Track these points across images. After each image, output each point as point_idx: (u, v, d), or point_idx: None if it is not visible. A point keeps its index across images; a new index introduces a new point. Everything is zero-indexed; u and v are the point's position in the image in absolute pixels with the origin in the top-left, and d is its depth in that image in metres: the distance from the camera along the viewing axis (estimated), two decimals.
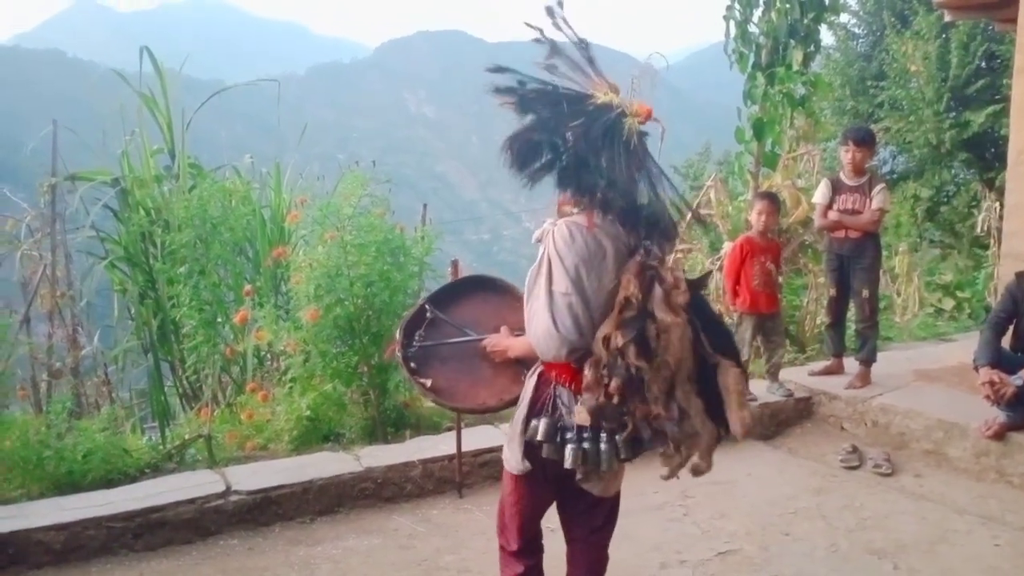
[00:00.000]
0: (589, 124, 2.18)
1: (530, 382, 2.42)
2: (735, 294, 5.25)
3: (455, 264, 4.17)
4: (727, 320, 6.01)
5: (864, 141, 5.41)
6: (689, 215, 2.43)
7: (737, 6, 6.94)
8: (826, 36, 15.48)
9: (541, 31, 2.25)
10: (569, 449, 2.26)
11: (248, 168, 6.87)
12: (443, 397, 2.82)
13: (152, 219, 5.93)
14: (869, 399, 5.18)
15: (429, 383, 2.80)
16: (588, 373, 2.19)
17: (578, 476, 2.34)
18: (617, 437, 2.23)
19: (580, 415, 2.24)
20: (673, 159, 20.13)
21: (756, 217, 5.23)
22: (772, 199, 5.35)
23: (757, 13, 6.92)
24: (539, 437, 2.31)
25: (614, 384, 2.13)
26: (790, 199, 6.82)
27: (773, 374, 5.38)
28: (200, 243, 5.25)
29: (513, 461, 2.46)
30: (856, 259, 5.41)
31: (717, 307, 6.81)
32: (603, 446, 2.24)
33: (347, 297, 4.48)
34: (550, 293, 2.25)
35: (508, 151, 2.20)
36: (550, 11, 2.24)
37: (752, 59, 6.93)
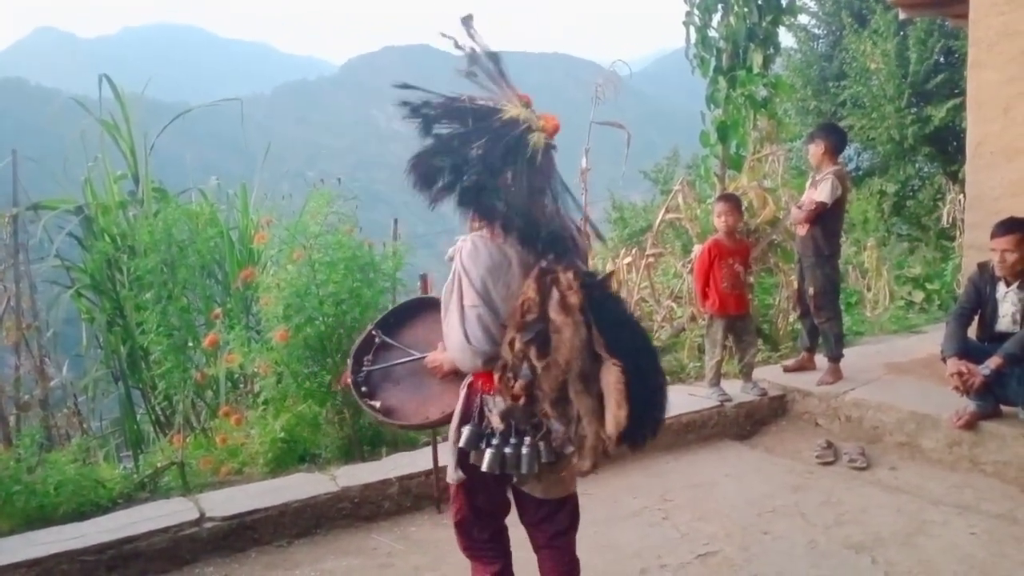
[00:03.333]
0: (492, 144, 2.21)
1: (462, 392, 2.49)
2: (704, 296, 5.28)
3: (424, 279, 4.17)
4: (701, 322, 6.06)
5: (810, 138, 5.66)
6: (591, 231, 2.48)
7: (696, 12, 7.01)
8: (786, 38, 15.71)
9: (456, 41, 2.30)
10: (487, 453, 2.32)
11: (215, 190, 6.82)
12: (393, 417, 2.88)
13: (117, 246, 5.86)
14: (842, 394, 5.22)
15: (378, 404, 2.87)
16: (496, 377, 2.27)
17: (515, 479, 2.40)
18: (537, 440, 2.29)
19: (495, 419, 2.32)
20: (642, 164, 20.21)
21: (718, 219, 5.29)
22: (730, 200, 5.40)
23: (716, 18, 7.00)
24: (461, 444, 2.39)
25: (518, 385, 2.22)
26: (757, 200, 6.89)
27: (747, 374, 5.42)
28: (166, 268, 5.19)
29: (449, 470, 2.53)
30: (802, 255, 5.57)
31: (690, 310, 6.87)
32: (524, 450, 2.30)
33: (317, 316, 4.46)
34: (461, 307, 2.33)
35: (411, 173, 2.25)
36: (465, 22, 2.30)
37: (713, 63, 7.01)
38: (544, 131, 2.26)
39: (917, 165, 15.33)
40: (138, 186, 6.29)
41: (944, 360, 4.54)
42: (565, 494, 2.54)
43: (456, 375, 2.60)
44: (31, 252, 5.68)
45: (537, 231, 2.26)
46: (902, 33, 14.84)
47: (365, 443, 4.68)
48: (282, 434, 4.46)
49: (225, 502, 3.88)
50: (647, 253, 7.65)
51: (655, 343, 6.58)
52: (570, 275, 2.22)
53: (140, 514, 3.78)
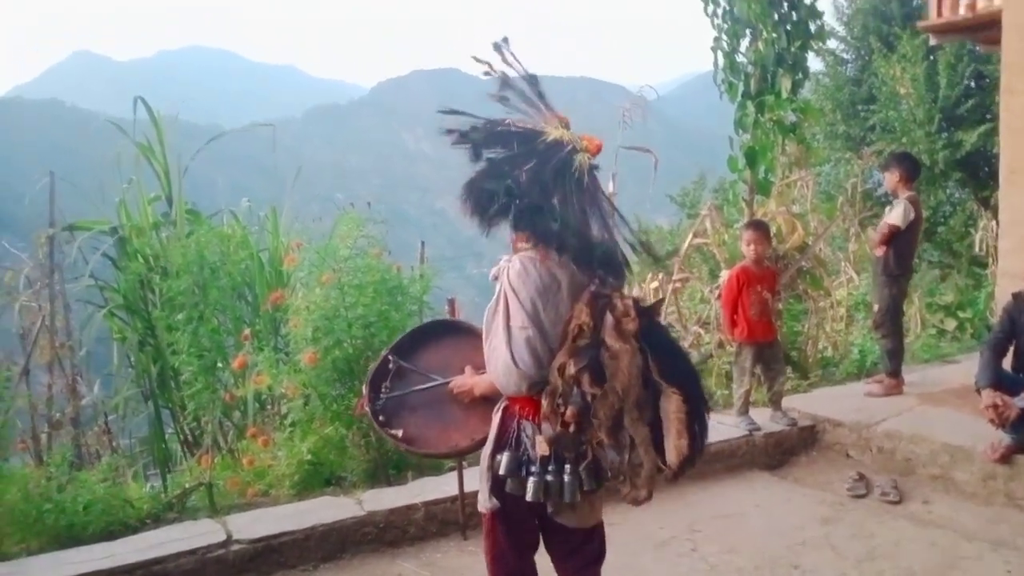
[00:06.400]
0: (541, 165, 2.21)
1: (496, 417, 2.44)
2: (733, 324, 5.24)
3: (451, 303, 4.17)
4: (729, 348, 6.01)
5: (885, 166, 6.12)
6: (643, 250, 2.47)
7: (724, 37, 7.01)
8: (815, 62, 15.66)
9: (490, 65, 2.30)
10: (531, 482, 2.28)
11: (246, 212, 6.90)
12: (415, 445, 2.80)
13: (150, 266, 5.94)
14: (874, 425, 5.14)
15: (400, 433, 2.78)
16: (545, 403, 2.22)
17: (549, 509, 2.35)
18: (580, 468, 2.25)
19: (540, 446, 2.27)
20: (669, 188, 20.21)
21: (746, 247, 5.26)
22: (759, 227, 5.38)
23: (745, 43, 7.00)
24: (501, 471, 2.33)
25: (569, 412, 2.17)
26: (785, 225, 6.84)
27: (776, 403, 5.35)
28: (198, 289, 5.25)
29: (482, 498, 2.47)
30: (874, 275, 5.97)
31: (717, 336, 6.81)
32: (566, 478, 2.26)
33: (346, 339, 4.48)
34: (508, 329, 2.28)
35: (466, 200, 2.24)
36: (498, 47, 2.30)
37: (741, 88, 6.99)
38: (587, 151, 2.27)
39: (948, 191, 15.19)
40: (171, 208, 6.39)
41: (979, 391, 4.45)
42: (595, 522, 2.50)
43: (484, 400, 2.55)
44: (65, 272, 5.78)
45: (592, 251, 2.25)
46: (932, 58, 14.76)
47: (391, 467, 4.68)
48: (309, 456, 4.47)
49: (252, 524, 3.89)
50: (674, 278, 7.62)
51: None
52: (628, 301, 2.20)
53: (168, 535, 3.80)
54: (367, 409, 2.91)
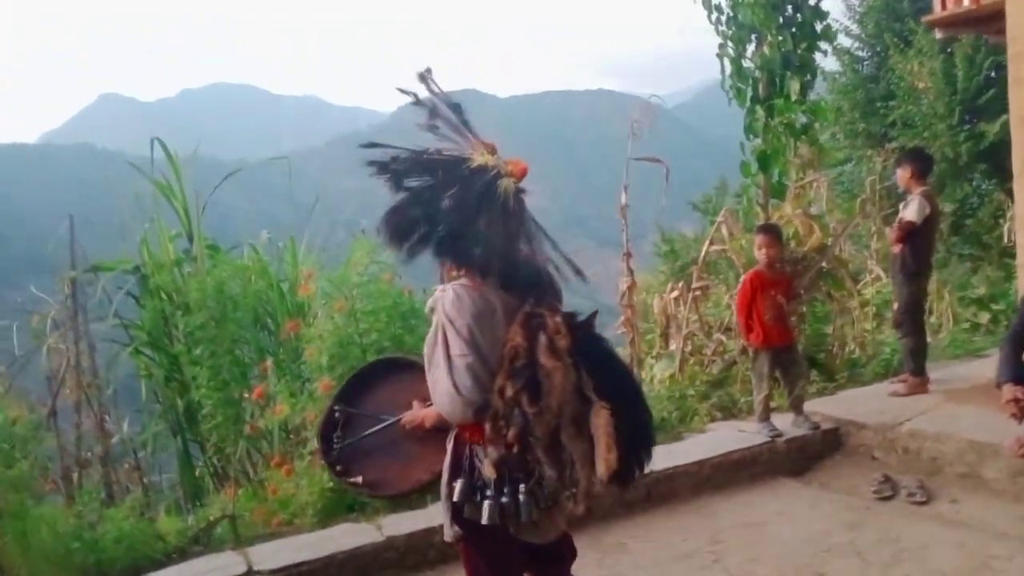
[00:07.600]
0: (464, 191, 2.24)
1: (449, 446, 2.45)
2: (748, 328, 5.20)
3: None
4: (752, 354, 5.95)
5: (897, 163, 6.11)
6: (570, 270, 2.45)
7: (730, 43, 7.01)
8: (831, 62, 15.57)
9: (416, 95, 2.36)
10: (486, 505, 2.29)
11: (266, 243, 7.01)
12: (378, 489, 2.80)
13: (172, 303, 6.05)
14: (898, 425, 5.07)
15: (360, 480, 2.75)
16: (487, 426, 2.23)
17: (511, 529, 2.36)
18: (532, 486, 2.27)
19: (487, 469, 2.28)
20: (691, 195, 20.16)
21: (758, 251, 5.24)
22: (770, 231, 5.35)
23: (750, 48, 6.99)
24: (456, 498, 2.34)
25: (512, 433, 2.18)
26: (802, 227, 6.79)
27: (797, 407, 5.29)
28: (216, 322, 5.33)
29: (445, 528, 2.48)
30: (892, 273, 5.98)
31: (740, 342, 6.74)
32: (521, 497, 2.28)
33: (360, 365, 4.51)
34: (448, 358, 2.29)
35: (385, 227, 2.28)
36: (423, 77, 2.35)
37: (750, 93, 6.98)
38: (512, 176, 2.31)
39: (974, 183, 14.93)
40: (192, 244, 6.51)
41: (999, 386, 4.36)
42: (558, 535, 2.52)
43: (437, 431, 2.54)
44: (91, 312, 5.90)
45: (517, 274, 2.30)
46: (948, 51, 14.58)
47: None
48: (330, 484, 4.49)
49: (273, 554, 3.93)
50: (693, 286, 7.57)
51: (708, 377, 6.55)
52: (558, 319, 2.24)
53: (191, 569, 3.86)
54: (322, 462, 2.87)
